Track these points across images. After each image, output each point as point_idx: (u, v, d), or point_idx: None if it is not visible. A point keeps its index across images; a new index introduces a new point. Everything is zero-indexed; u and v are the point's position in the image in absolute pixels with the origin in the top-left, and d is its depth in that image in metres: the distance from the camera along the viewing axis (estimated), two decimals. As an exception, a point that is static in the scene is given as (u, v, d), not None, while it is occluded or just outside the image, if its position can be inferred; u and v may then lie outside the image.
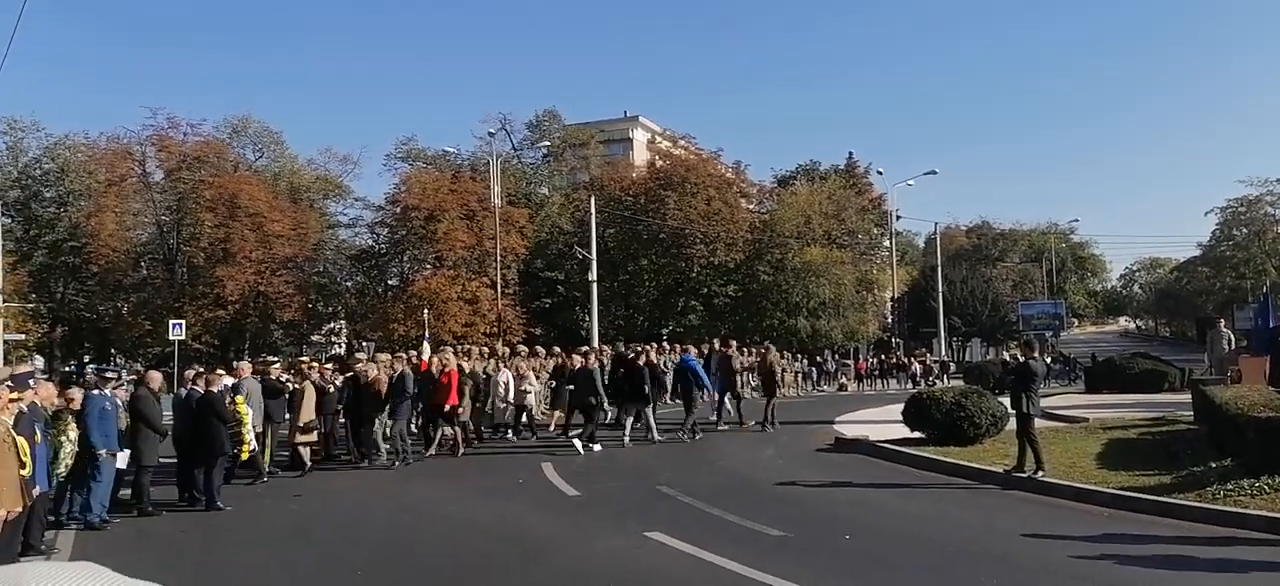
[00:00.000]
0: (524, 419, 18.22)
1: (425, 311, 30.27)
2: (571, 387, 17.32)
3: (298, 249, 42.55)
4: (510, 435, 17.80)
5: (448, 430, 16.00)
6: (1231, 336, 26.08)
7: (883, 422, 18.09)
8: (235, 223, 39.62)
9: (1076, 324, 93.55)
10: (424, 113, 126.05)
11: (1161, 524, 9.31)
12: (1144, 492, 10.32)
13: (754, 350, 26.63)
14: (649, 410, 17.01)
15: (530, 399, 18.07)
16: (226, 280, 38.45)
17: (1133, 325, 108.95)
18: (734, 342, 23.33)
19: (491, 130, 43.78)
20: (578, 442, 15.63)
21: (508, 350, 22.62)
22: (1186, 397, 17.99)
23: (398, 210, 43.74)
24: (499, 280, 39.05)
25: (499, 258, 38.94)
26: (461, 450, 15.82)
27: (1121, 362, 28.98)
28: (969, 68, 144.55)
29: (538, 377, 19.18)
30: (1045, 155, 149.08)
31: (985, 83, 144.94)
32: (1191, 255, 76.95)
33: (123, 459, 10.88)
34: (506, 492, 12.27)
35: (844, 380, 40.29)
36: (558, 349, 22.52)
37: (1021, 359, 12.77)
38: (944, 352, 52.61)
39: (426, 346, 19.82)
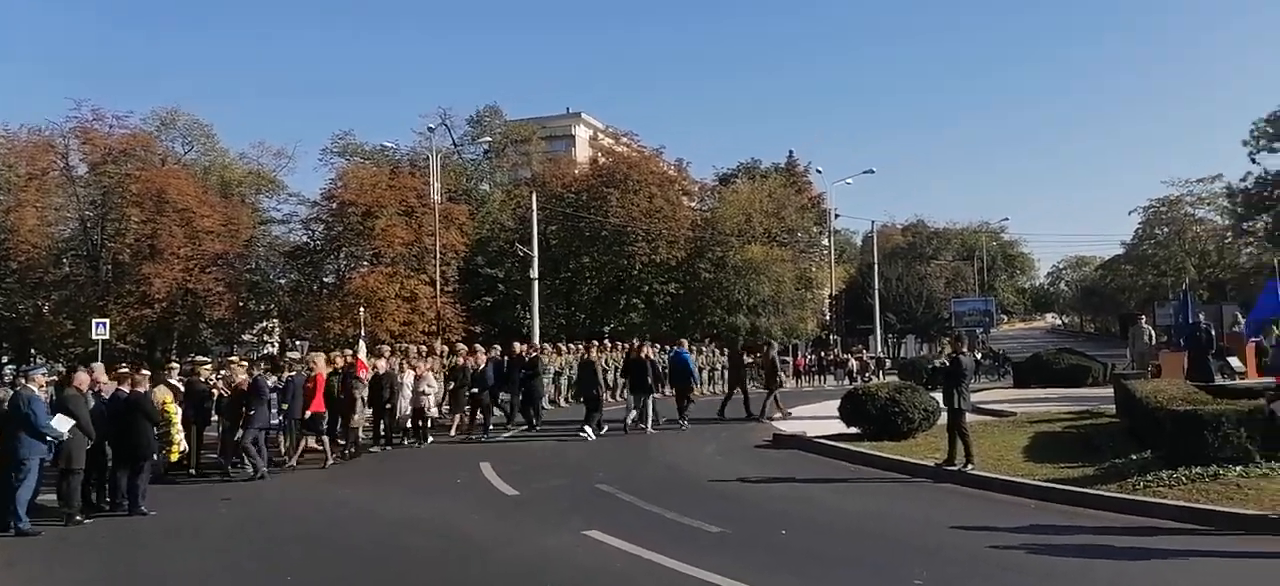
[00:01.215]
0: (423, 422, 17.44)
1: (362, 310, 29.71)
2: (574, 379, 19.33)
3: (228, 245, 41.38)
4: (406, 441, 17.05)
5: (311, 440, 15.02)
6: (1152, 332, 27.11)
7: (820, 418, 18.39)
8: (163, 218, 38.34)
9: (1006, 320, 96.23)
10: (362, 108, 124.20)
11: (1085, 514, 9.64)
12: (1068, 484, 10.68)
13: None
14: (650, 400, 18.29)
15: (427, 401, 17.36)
16: (153, 277, 37.17)
17: (1059, 321, 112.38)
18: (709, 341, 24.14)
19: (431, 125, 43.30)
20: (588, 430, 17.14)
21: (433, 349, 22.41)
22: (1109, 392, 18.62)
23: (334, 206, 42.82)
24: (438, 278, 38.53)
25: (438, 255, 38.43)
26: (330, 460, 14.67)
27: (1048, 358, 29.80)
28: (907, 68, 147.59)
29: (436, 377, 18.86)
30: (978, 155, 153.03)
31: (922, 83, 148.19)
32: (1115, 253, 79.75)
33: (63, 423, 10.40)
34: (444, 492, 12.14)
35: (783, 377, 40.77)
36: (461, 346, 22.29)
37: (952, 355, 13.07)
38: (880, 349, 53.63)
39: (362, 345, 19.52)
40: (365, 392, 16.02)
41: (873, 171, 77.03)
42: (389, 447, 16.53)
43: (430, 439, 17.17)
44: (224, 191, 46.18)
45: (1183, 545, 8.17)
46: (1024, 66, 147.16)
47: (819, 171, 59.37)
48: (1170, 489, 9.82)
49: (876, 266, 56.78)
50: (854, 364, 41.55)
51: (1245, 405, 10.86)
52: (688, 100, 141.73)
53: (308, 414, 14.57)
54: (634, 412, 18.19)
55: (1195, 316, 22.20)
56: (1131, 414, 13.44)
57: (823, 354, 45.50)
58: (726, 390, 22.35)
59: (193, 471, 13.99)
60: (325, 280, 45.81)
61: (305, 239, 46.62)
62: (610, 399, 22.04)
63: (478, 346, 21.49)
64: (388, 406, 16.57)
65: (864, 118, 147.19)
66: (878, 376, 38.16)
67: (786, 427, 17.72)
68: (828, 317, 56.61)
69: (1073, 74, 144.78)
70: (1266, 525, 8.51)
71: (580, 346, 24.02)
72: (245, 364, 16.25)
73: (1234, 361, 20.75)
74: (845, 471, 13.14)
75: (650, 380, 18.41)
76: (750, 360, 25.92)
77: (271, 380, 14.64)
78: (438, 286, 38.47)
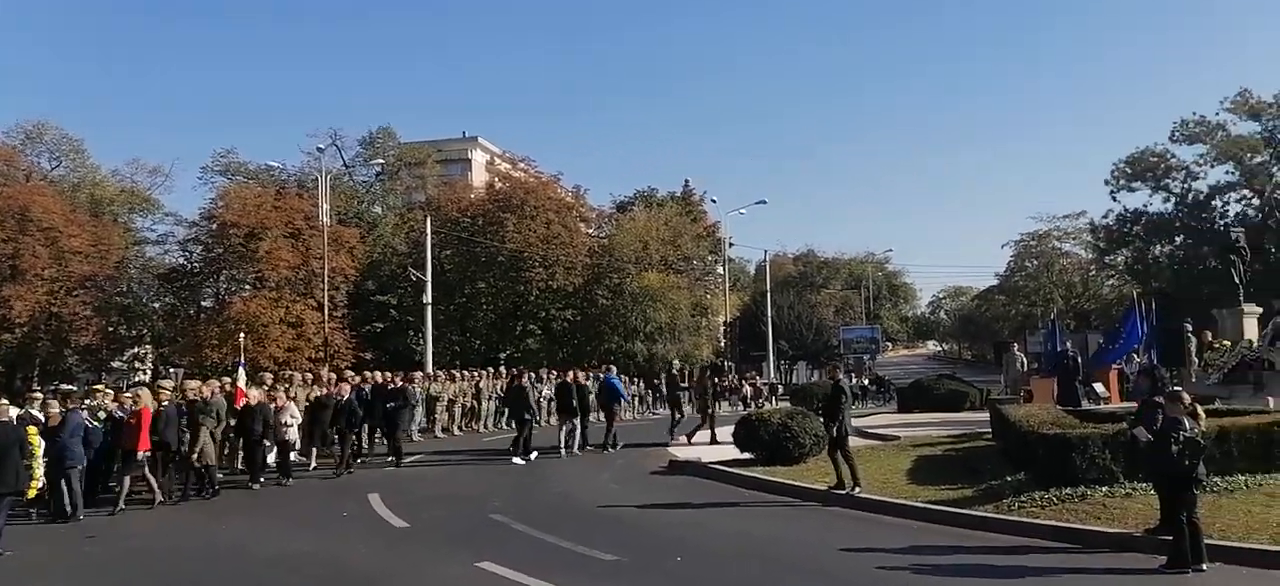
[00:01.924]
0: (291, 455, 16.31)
1: (242, 335, 28.43)
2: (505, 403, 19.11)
3: (98, 267, 39.15)
4: (263, 480, 15.40)
5: (140, 477, 13.38)
6: (1024, 359, 28.67)
7: (715, 444, 18.58)
8: (25, 237, 35.99)
9: (891, 347, 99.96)
10: (248, 130, 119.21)
11: (965, 535, 10.02)
12: (949, 506, 11.08)
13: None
14: (578, 422, 18.96)
15: (292, 433, 16.17)
16: (14, 300, 34.80)
17: (940, 348, 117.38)
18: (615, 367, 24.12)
19: (321, 146, 41.99)
20: (518, 458, 17.35)
21: (317, 377, 21.61)
22: (986, 416, 19.46)
23: (214, 226, 41.04)
24: (326, 302, 37.25)
25: (326, 278, 37.17)
26: (159, 499, 13.25)
27: (929, 384, 30.98)
28: (799, 104, 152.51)
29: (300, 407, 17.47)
30: (865, 189, 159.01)
31: (813, 119, 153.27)
32: (990, 284, 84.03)
33: None
34: (329, 525, 11.67)
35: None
36: (326, 375, 21.43)
37: (832, 381, 13.46)
38: (773, 375, 54.78)
39: (242, 373, 18.59)
40: (216, 426, 14.49)
41: (765, 202, 79.89)
42: (256, 485, 15.03)
43: (289, 480, 15.48)
44: (94, 210, 43.74)
45: (1055, 563, 8.58)
46: (910, 105, 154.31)
47: (713, 201, 60.71)
48: (1042, 509, 10.31)
49: (769, 294, 58.09)
50: (748, 390, 42.22)
51: (1110, 428, 11.52)
52: (586, 127, 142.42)
53: (139, 453, 13.06)
54: (565, 434, 18.79)
55: (1063, 345, 23.56)
56: (1006, 437, 14.09)
57: (717, 380, 46.07)
58: (671, 413, 22.52)
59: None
60: (203, 304, 43.81)
61: (182, 261, 44.53)
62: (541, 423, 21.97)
63: (348, 374, 20.81)
64: (259, 441, 15.36)
65: (758, 149, 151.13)
66: (770, 402, 38.89)
67: (681, 454, 17.83)
68: (722, 344, 57.50)
69: (954, 114, 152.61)
70: (1131, 543, 9.01)
71: (514, 371, 23.73)
72: (115, 392, 15.28)
73: (1099, 387, 22.07)
74: (739, 496, 13.30)
75: (576, 403, 18.92)
76: (686, 384, 26.21)
77: (83, 414, 13.43)
78: (325, 312, 37.20)
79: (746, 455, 15.66)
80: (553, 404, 22.84)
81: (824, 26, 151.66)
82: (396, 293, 44.42)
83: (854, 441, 14.82)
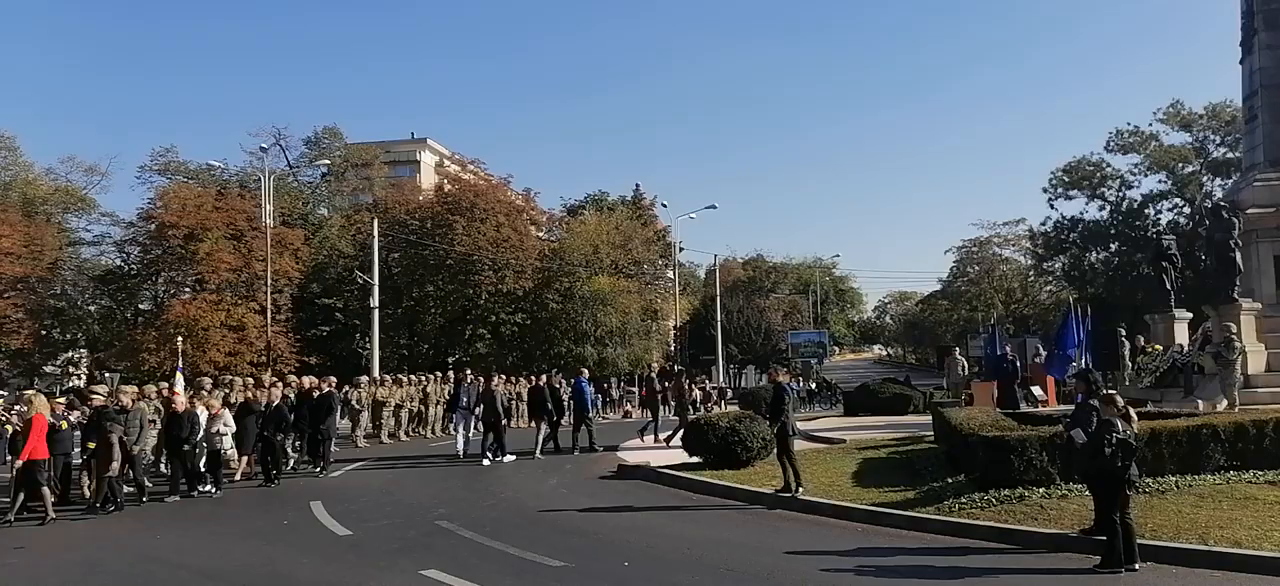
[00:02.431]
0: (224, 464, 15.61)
1: (180, 339, 27.71)
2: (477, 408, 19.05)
3: (29, 268, 37.80)
4: (199, 488, 14.84)
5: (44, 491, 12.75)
6: (965, 363, 29.21)
7: (664, 448, 18.62)
8: (-50, 237, 34.62)
9: (838, 351, 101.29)
10: (189, 129, 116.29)
11: (908, 536, 10.20)
12: (893, 508, 11.26)
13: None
14: (548, 424, 19.74)
15: (225, 442, 15.41)
16: (-62, 302, 33.43)
17: (885, 352, 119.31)
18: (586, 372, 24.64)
19: (264, 145, 41.10)
20: (487, 458, 18.04)
21: (259, 382, 21.09)
22: (928, 419, 19.82)
23: (152, 227, 39.93)
24: (269, 305, 36.47)
25: (269, 281, 36.37)
26: (51, 516, 12.54)
27: (874, 388, 31.48)
28: (747, 112, 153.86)
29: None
30: (814, 195, 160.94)
31: (760, 124, 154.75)
32: (933, 289, 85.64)
33: None
34: (269, 535, 11.41)
35: (629, 407, 41.10)
36: (249, 381, 20.79)
37: (774, 384, 13.63)
38: (722, 379, 55.06)
39: (180, 378, 18.12)
40: (123, 434, 13.62)
41: (715, 206, 79.78)
42: (182, 495, 14.36)
43: (219, 490, 14.91)
44: (26, 209, 42.28)
45: (993, 563, 8.78)
46: (856, 111, 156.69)
47: (664, 205, 60.90)
48: (982, 510, 10.54)
49: (719, 299, 58.39)
50: (697, 394, 42.36)
51: (1047, 431, 11.81)
52: (536, 130, 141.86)
53: (20, 462, 12.51)
54: (540, 439, 19.47)
55: (1003, 349, 24.10)
56: (948, 440, 14.36)
57: (667, 384, 46.15)
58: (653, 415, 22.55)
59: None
60: (141, 307, 42.65)
61: (119, 263, 43.27)
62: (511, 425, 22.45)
63: (277, 380, 20.33)
64: (186, 449, 14.70)
65: (708, 153, 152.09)
66: (719, 406, 39.10)
67: (631, 457, 17.83)
68: (672, 348, 57.64)
69: (899, 124, 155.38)
70: (1067, 543, 9.26)
71: (482, 378, 23.55)
72: (47, 397, 14.71)
73: (1037, 390, 22.61)
74: (687, 500, 13.34)
75: (550, 406, 19.87)
76: (661, 388, 26.29)
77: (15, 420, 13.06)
78: (268, 315, 36.42)
79: (695, 459, 15.72)
80: (526, 407, 23.73)
81: (774, 33, 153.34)
82: (342, 296, 43.71)
83: (801, 445, 15.01)
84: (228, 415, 15.61)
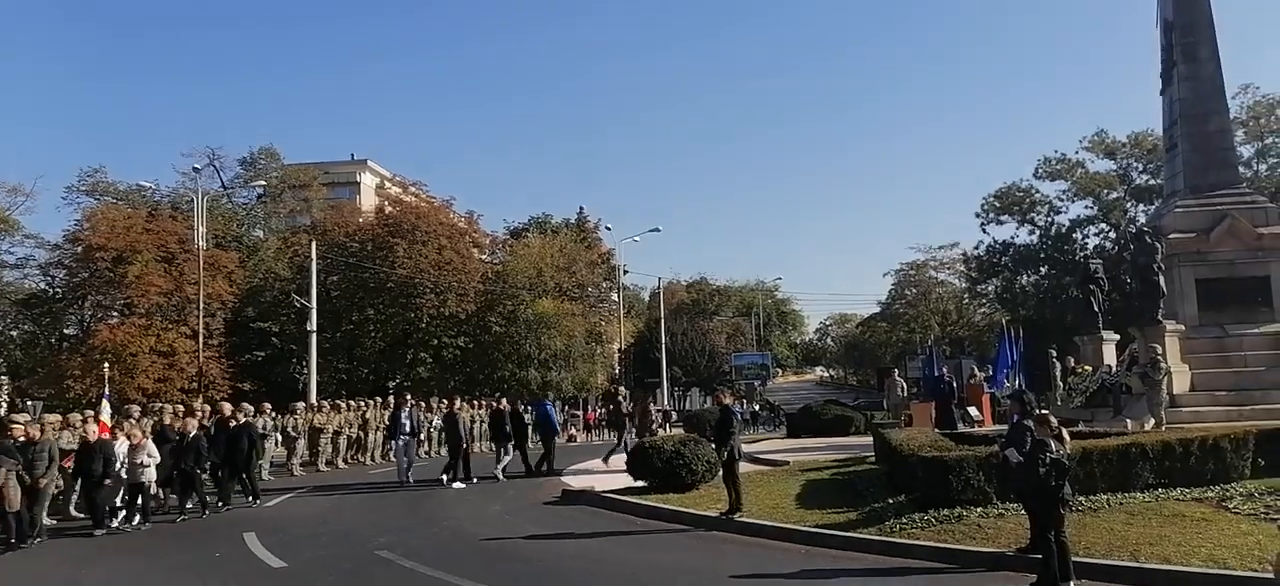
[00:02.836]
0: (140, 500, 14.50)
1: (107, 366, 26.77)
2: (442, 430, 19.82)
3: (-54, 292, 36.15)
4: (113, 522, 14.02)
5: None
6: (904, 384, 29.79)
7: (609, 472, 18.52)
8: None
9: (781, 373, 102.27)
10: (119, 148, 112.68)
11: (850, 557, 10.27)
12: (835, 529, 11.36)
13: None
14: (510, 446, 20.30)
15: (149, 473, 14.44)
16: None
17: (827, 374, 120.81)
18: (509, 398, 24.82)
19: (197, 165, 40.00)
20: (445, 478, 18.34)
21: (190, 409, 20.43)
22: (870, 440, 20.09)
23: (79, 250, 38.57)
24: (201, 330, 35.43)
25: (201, 305, 35.36)
26: None
27: (817, 410, 31.78)
28: (689, 133, 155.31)
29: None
30: (756, 218, 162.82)
31: (705, 147, 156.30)
32: (873, 311, 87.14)
33: None
34: (200, 569, 11.00)
35: (573, 431, 40.88)
36: (168, 408, 19.58)
37: (721, 406, 13.70)
38: (667, 402, 55.14)
39: (106, 406, 17.44)
40: (20, 469, 12.65)
41: (659, 230, 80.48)
42: (100, 531, 13.57)
43: (148, 523, 14.23)
44: (-57, 231, 40.42)
45: (934, 583, 8.90)
46: (796, 134, 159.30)
47: (608, 228, 60.82)
48: (922, 530, 10.68)
49: (663, 321, 58.56)
50: (658, 416, 42.30)
51: (984, 451, 12.06)
52: (480, 153, 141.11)
53: None
54: (503, 461, 19.87)
55: (940, 370, 24.63)
56: (889, 460, 14.56)
57: (612, 407, 46.04)
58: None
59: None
60: (66, 332, 41.08)
61: (43, 286, 41.65)
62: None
63: (195, 408, 19.60)
64: (99, 482, 13.87)
65: (652, 176, 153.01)
66: (664, 429, 39.13)
67: (575, 483, 17.70)
68: (617, 371, 57.58)
69: (837, 144, 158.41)
70: (1004, 562, 9.42)
71: (446, 401, 24.76)
72: None
73: (973, 411, 23.12)
74: (631, 525, 13.26)
75: (509, 429, 20.28)
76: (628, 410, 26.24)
77: None
78: (200, 340, 35.38)
79: (639, 482, 15.66)
80: (486, 430, 24.26)
81: (716, 62, 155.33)
82: (279, 320, 42.70)
83: (746, 467, 15.04)
84: (152, 446, 14.80)
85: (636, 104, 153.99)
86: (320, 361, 36.89)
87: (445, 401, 23.13)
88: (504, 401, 22.65)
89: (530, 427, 23.33)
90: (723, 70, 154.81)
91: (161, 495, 15.69)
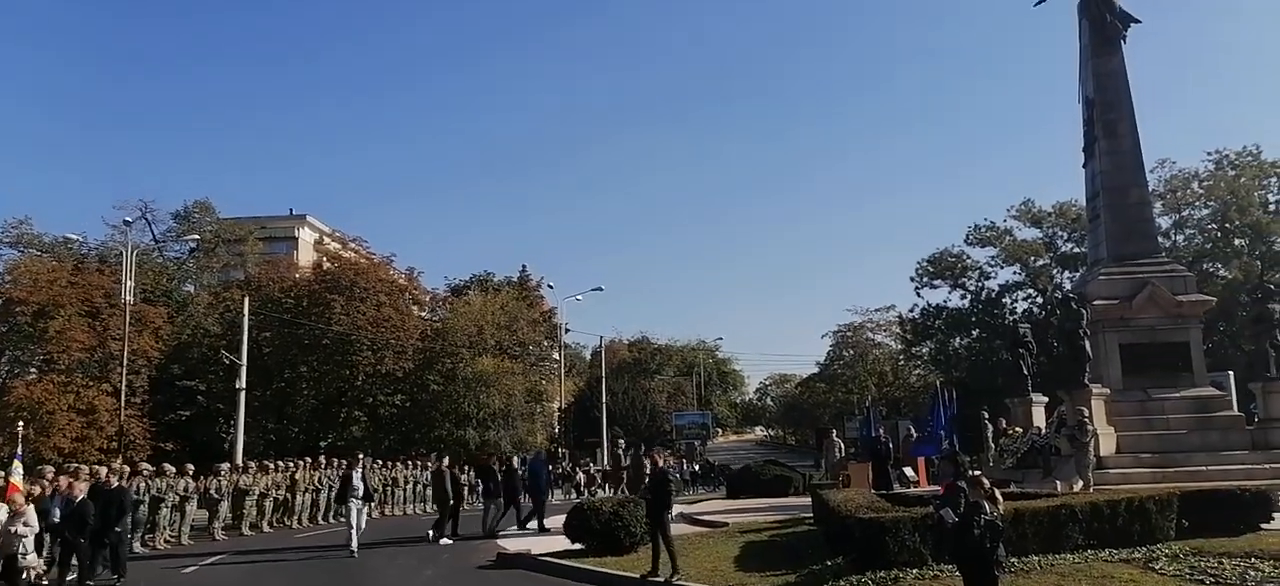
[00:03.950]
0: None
1: (20, 424, 25.48)
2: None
3: None
4: None
5: None
6: (841, 445, 29.98)
7: (547, 535, 18.18)
8: None
9: (721, 433, 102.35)
10: (48, 200, 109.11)
11: (788, 621, 10.18)
12: (774, 592, 11.27)
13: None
14: (497, 504, 20.39)
15: (27, 543, 13.04)
16: None
17: (767, 434, 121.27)
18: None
19: (129, 218, 38.74)
20: (431, 533, 18.64)
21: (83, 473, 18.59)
22: (809, 500, 20.11)
23: (-1, 304, 37.05)
24: (124, 387, 34.07)
25: (125, 362, 34.05)
26: None
27: (757, 470, 31.79)
28: (632, 196, 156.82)
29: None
30: (697, 276, 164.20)
31: (645, 207, 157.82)
32: (812, 372, 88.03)
33: None
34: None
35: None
36: (49, 470, 17.49)
37: (655, 467, 13.62)
38: (607, 462, 54.59)
39: (18, 466, 16.53)
40: None
41: (602, 289, 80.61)
42: None
43: None
44: None
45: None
46: (737, 199, 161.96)
47: (551, 286, 60.67)
48: (860, 593, 10.66)
49: (604, 381, 58.27)
50: (582, 477, 41.84)
51: (919, 512, 12.14)
52: (422, 211, 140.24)
53: None
54: (490, 516, 20.02)
55: (877, 431, 24.89)
56: (826, 521, 14.57)
57: (552, 467, 45.46)
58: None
59: None
60: (-21, 389, 39.04)
61: (-45, 341, 39.63)
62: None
63: (80, 471, 17.06)
64: None
65: (594, 236, 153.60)
66: (604, 490, 38.70)
67: (510, 546, 17.30)
68: (557, 431, 56.94)
69: (778, 208, 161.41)
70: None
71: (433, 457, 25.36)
72: None
73: (908, 471, 23.36)
74: (568, 590, 13.00)
75: (494, 485, 20.56)
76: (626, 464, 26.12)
77: None
78: (123, 398, 34.00)
79: (577, 546, 15.38)
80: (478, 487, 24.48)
81: (657, 119, 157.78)
82: (206, 378, 41.32)
83: (686, 529, 14.92)
84: (32, 513, 13.36)
85: (583, 167, 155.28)
86: (248, 421, 35.68)
87: (434, 458, 23.40)
88: (447, 461, 22.27)
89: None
90: (667, 139, 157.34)
91: (42, 569, 13.96)
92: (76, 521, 13.71)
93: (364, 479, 18.72)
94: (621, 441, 32.85)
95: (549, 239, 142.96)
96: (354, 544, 16.94)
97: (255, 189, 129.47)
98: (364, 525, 17.92)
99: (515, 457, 23.46)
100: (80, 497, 14.13)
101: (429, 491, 29.91)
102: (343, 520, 18.78)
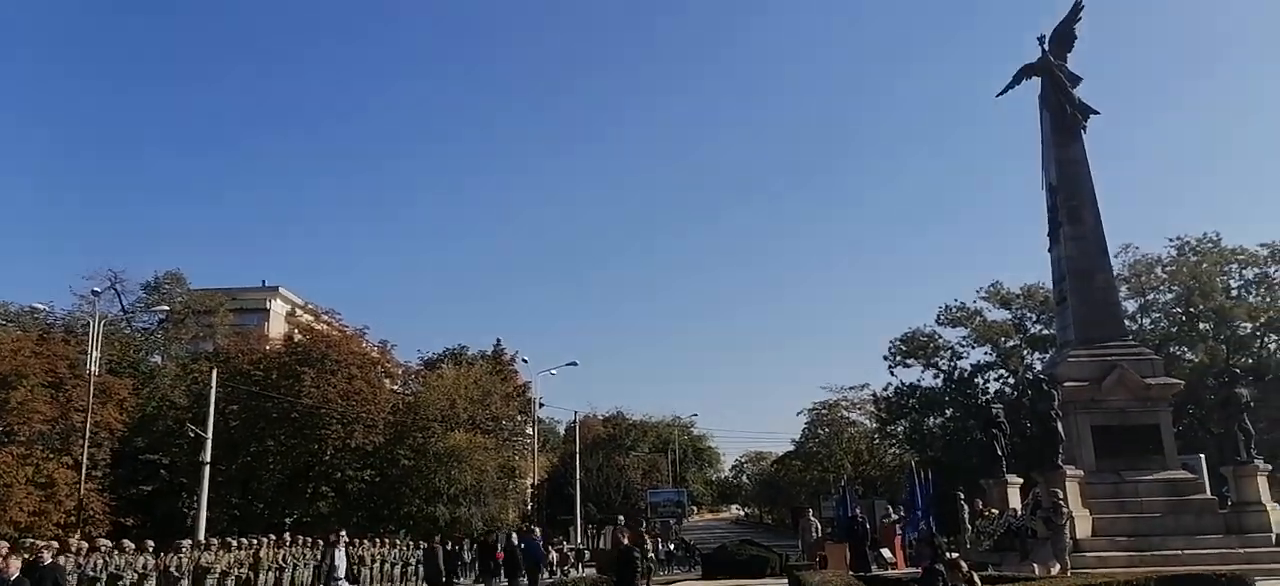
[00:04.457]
0: None
1: (-24, 498, 24.81)
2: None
3: None
4: None
5: None
6: (818, 524, 29.79)
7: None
8: None
9: (696, 510, 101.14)
10: (18, 268, 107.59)
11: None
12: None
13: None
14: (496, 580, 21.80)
15: None
16: None
17: (743, 512, 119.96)
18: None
19: (98, 288, 38.20)
20: None
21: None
22: (785, 582, 19.86)
23: (-42, 373, 36.08)
24: (85, 460, 33.19)
25: (88, 434, 33.22)
26: None
27: (733, 549, 31.39)
28: (608, 270, 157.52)
29: None
30: (671, 352, 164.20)
31: (619, 283, 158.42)
32: (787, 449, 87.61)
33: None
34: None
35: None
36: None
37: (624, 546, 13.47)
38: (580, 540, 53.67)
39: (-28, 542, 15.93)
40: None
41: (576, 363, 79.88)
42: None
43: None
44: None
45: None
46: (712, 277, 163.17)
47: (525, 360, 60.28)
48: (839, 680, 10.47)
49: (578, 456, 57.60)
50: (554, 556, 41.05)
51: (896, 596, 12.05)
52: (397, 284, 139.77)
53: None
54: None
55: (853, 510, 24.77)
56: (805, 606, 14.38)
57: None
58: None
59: None
60: (-67, 461, 37.83)
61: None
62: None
63: (37, 546, 16.40)
64: None
65: (569, 310, 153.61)
66: (577, 569, 37.96)
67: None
68: (529, 507, 56.02)
69: (752, 285, 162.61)
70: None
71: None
72: None
73: (886, 552, 23.19)
74: (541, 677, 12.65)
75: (493, 564, 21.85)
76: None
77: None
78: (83, 471, 33.10)
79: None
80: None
81: (633, 192, 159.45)
82: (170, 451, 40.41)
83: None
84: None
85: (554, 240, 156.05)
86: (212, 495, 34.78)
87: (428, 539, 24.55)
88: (437, 538, 24.03)
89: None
90: (637, 212, 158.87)
91: None
92: None
93: (346, 557, 18.03)
94: (621, 517, 32.78)
95: (524, 313, 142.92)
96: None
97: (229, 261, 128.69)
98: None
99: (514, 535, 23.18)
100: (13, 577, 12.97)
101: (397, 570, 29.37)
102: None
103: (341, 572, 16.80)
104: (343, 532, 22.33)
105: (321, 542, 19.93)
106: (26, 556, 14.97)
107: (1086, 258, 22.06)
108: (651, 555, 29.36)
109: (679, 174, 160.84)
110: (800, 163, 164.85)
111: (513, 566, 20.85)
